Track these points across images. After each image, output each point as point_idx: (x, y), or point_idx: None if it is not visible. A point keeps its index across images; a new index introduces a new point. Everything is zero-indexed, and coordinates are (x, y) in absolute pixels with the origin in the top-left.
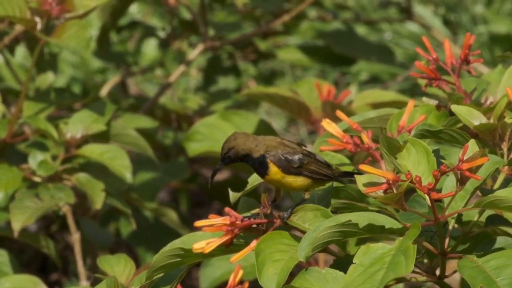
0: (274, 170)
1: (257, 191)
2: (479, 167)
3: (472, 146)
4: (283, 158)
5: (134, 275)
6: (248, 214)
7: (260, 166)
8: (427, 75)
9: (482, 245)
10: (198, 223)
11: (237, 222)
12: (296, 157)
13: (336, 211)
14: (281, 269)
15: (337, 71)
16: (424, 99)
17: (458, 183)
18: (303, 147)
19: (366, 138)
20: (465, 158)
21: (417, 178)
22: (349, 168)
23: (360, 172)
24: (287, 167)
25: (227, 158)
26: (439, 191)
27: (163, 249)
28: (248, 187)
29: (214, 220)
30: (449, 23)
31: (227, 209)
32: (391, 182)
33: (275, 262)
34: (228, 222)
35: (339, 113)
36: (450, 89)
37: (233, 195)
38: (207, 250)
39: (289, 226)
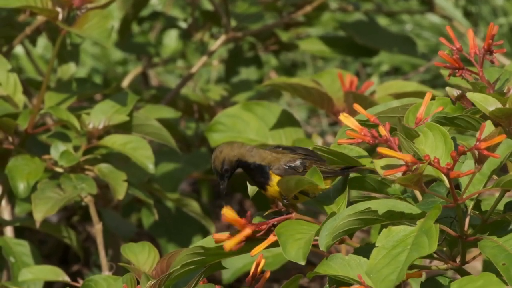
0: (276, 180)
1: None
2: (496, 147)
3: (489, 126)
4: (287, 167)
5: (157, 263)
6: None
7: (261, 175)
8: (451, 64)
9: (500, 230)
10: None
11: (251, 226)
12: (298, 162)
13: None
14: (305, 243)
15: (358, 62)
16: (448, 89)
17: (476, 164)
18: (298, 150)
19: (383, 130)
20: (482, 137)
21: (435, 160)
22: (367, 161)
23: (362, 165)
24: (294, 174)
25: (225, 171)
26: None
27: (185, 250)
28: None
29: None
30: (469, 14)
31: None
32: (409, 164)
33: (297, 240)
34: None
35: (357, 106)
36: (473, 79)
37: (251, 189)
38: (228, 248)
39: (304, 217)
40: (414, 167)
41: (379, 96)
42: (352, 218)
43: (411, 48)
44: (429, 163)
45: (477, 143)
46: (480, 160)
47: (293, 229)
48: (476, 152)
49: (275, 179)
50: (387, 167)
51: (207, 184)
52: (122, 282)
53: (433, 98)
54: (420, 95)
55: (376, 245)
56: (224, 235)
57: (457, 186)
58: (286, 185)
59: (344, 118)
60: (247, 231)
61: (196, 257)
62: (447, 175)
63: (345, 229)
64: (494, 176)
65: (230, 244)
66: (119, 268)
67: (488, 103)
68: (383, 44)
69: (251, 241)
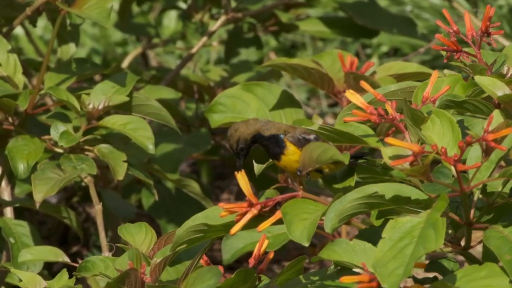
0: (292, 149)
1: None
2: (504, 137)
3: (497, 117)
4: (301, 137)
5: (155, 244)
6: (267, 195)
7: (276, 145)
8: (448, 47)
9: (506, 216)
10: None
11: (257, 202)
12: (312, 136)
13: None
14: (310, 224)
15: (358, 43)
16: (446, 71)
17: (484, 154)
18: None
19: (390, 108)
20: (489, 129)
21: (443, 150)
22: (373, 140)
23: (367, 153)
24: None
25: (241, 150)
26: (464, 162)
27: (186, 223)
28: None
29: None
30: None
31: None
32: (417, 154)
33: (302, 220)
34: (246, 205)
35: (363, 84)
36: (471, 62)
37: (257, 167)
38: (233, 232)
39: (310, 195)
40: (421, 157)
41: (379, 77)
42: (359, 201)
43: (411, 29)
44: (437, 153)
45: (485, 134)
46: (487, 151)
47: (299, 209)
48: (484, 143)
49: (290, 147)
50: (394, 156)
51: (207, 165)
52: (128, 258)
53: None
54: (421, 76)
55: (383, 236)
56: (229, 204)
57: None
58: (309, 155)
59: (350, 95)
60: (254, 212)
61: (199, 234)
62: (454, 166)
63: (351, 212)
64: (502, 163)
65: (236, 228)
66: (119, 249)
67: (496, 88)
68: (383, 25)
69: (256, 218)
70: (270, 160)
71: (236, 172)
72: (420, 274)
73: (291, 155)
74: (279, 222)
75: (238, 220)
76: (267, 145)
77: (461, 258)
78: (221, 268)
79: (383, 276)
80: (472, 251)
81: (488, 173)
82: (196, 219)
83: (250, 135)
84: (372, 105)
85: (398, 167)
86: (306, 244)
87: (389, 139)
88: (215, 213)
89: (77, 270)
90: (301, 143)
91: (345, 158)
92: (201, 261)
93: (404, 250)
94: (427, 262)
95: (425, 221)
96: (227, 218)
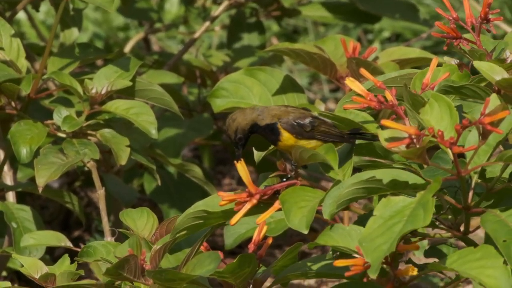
0: (286, 136)
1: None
2: (501, 121)
3: (494, 101)
4: (295, 123)
5: (157, 229)
6: (267, 183)
7: (272, 133)
8: (448, 34)
9: (505, 200)
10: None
11: (257, 191)
12: (307, 120)
13: (360, 169)
14: (308, 211)
15: (360, 28)
16: (446, 58)
17: (481, 137)
18: (309, 111)
19: (390, 95)
20: (486, 112)
21: (439, 133)
22: (373, 126)
23: (368, 132)
24: (300, 132)
25: (239, 140)
26: (462, 146)
27: (187, 210)
28: (272, 146)
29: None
30: None
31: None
32: (413, 136)
33: (301, 208)
34: (245, 195)
35: (363, 71)
36: (471, 48)
37: (257, 154)
38: (233, 222)
39: (308, 183)
40: (419, 140)
41: (382, 62)
42: (357, 186)
43: (413, 14)
44: (433, 136)
45: (481, 117)
46: (484, 134)
47: (298, 196)
48: (480, 126)
49: (284, 133)
50: (391, 138)
51: (209, 150)
52: (128, 246)
53: (439, 65)
54: (423, 61)
55: (374, 214)
56: (229, 194)
57: (463, 154)
58: (299, 155)
59: (350, 82)
60: (253, 201)
61: (199, 220)
62: (450, 149)
63: (349, 197)
64: (500, 147)
65: (236, 218)
66: (121, 234)
67: (495, 72)
68: (385, 10)
69: (256, 205)
70: (270, 148)
71: (235, 162)
72: (422, 260)
73: (286, 141)
74: (279, 210)
75: (238, 209)
76: (264, 134)
77: (462, 244)
78: (221, 254)
79: (368, 251)
80: (474, 238)
81: (486, 157)
82: (197, 207)
83: (247, 125)
84: (372, 92)
85: (394, 149)
86: (305, 232)
87: (385, 121)
88: (215, 202)
89: (79, 256)
90: (295, 129)
91: (335, 164)
92: (202, 248)
93: (393, 227)
94: (417, 241)
95: (417, 202)
96: (227, 206)
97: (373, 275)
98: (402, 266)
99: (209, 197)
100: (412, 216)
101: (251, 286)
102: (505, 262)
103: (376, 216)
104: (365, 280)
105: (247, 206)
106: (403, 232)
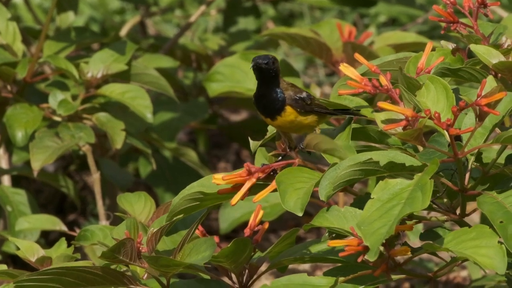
0: (289, 111)
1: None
2: (497, 102)
3: (490, 82)
4: (297, 97)
5: (154, 213)
6: (265, 162)
7: (276, 97)
8: (445, 18)
9: (501, 184)
10: (217, 176)
11: (255, 169)
12: (305, 94)
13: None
14: (304, 193)
15: (355, 13)
16: (443, 42)
17: (477, 119)
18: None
19: (384, 80)
20: (483, 93)
21: (436, 114)
22: (368, 111)
23: (357, 110)
24: (302, 106)
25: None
26: (459, 129)
27: (182, 191)
28: (268, 135)
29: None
30: None
31: (245, 164)
32: (410, 118)
33: (296, 190)
34: (245, 174)
35: (358, 56)
36: (468, 33)
37: (253, 144)
38: (234, 202)
39: (306, 163)
40: (415, 122)
41: (377, 47)
42: (353, 168)
43: None
44: (430, 118)
45: (478, 99)
46: (481, 116)
47: (294, 178)
48: (477, 108)
49: (288, 108)
50: (387, 121)
51: (204, 134)
52: (125, 227)
53: (433, 49)
54: (419, 46)
55: (372, 196)
56: (227, 174)
57: (459, 138)
58: (314, 144)
59: (344, 68)
60: (253, 180)
61: (195, 202)
62: (447, 130)
63: (346, 179)
64: (497, 129)
65: (235, 199)
66: (116, 218)
67: (491, 56)
68: None
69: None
70: (267, 136)
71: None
72: (417, 244)
73: (287, 116)
74: (276, 190)
75: (234, 189)
76: (265, 94)
77: (457, 228)
78: (217, 238)
79: (367, 234)
80: (470, 222)
81: (483, 140)
82: (192, 188)
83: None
84: (367, 77)
85: (391, 131)
86: (300, 214)
87: (381, 103)
88: (211, 182)
89: (76, 239)
90: (298, 103)
91: (353, 153)
92: (197, 232)
93: (391, 210)
94: (413, 223)
95: (415, 184)
96: (222, 186)
97: (372, 258)
98: (397, 248)
99: (204, 178)
100: (410, 198)
101: (246, 271)
102: (500, 242)
103: (374, 199)
104: (359, 260)
105: (247, 184)
106: (402, 215)
